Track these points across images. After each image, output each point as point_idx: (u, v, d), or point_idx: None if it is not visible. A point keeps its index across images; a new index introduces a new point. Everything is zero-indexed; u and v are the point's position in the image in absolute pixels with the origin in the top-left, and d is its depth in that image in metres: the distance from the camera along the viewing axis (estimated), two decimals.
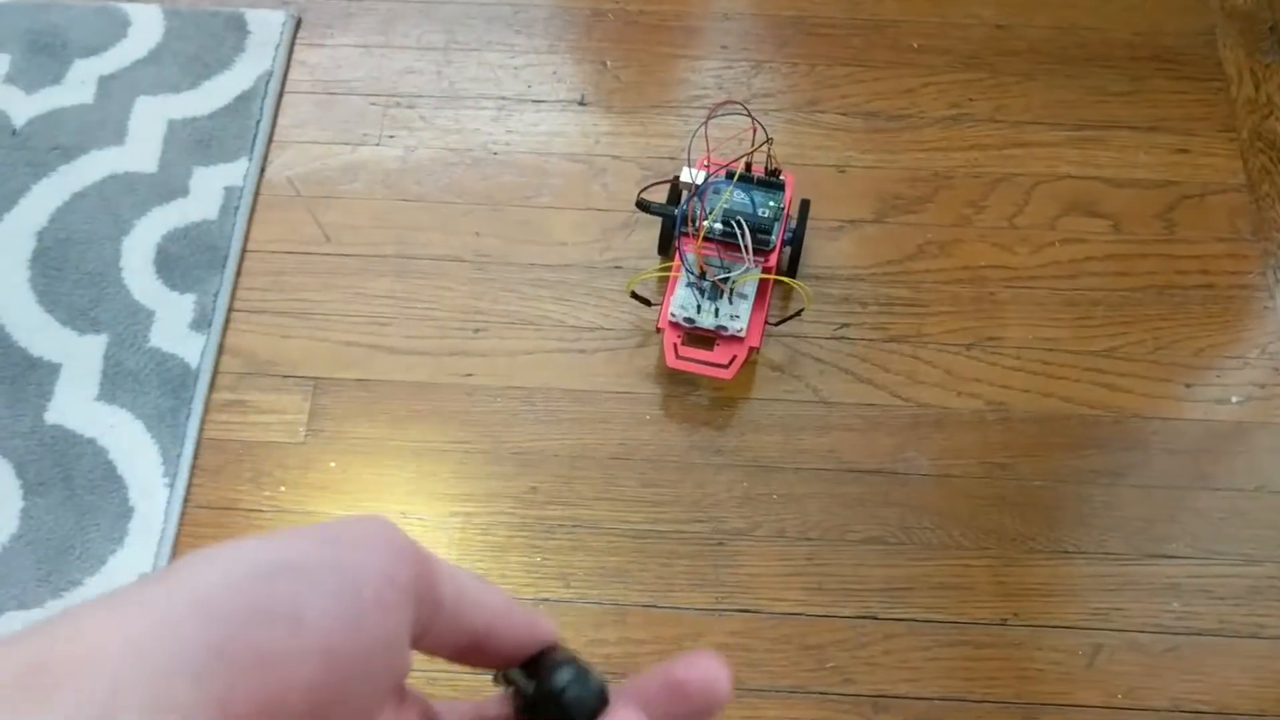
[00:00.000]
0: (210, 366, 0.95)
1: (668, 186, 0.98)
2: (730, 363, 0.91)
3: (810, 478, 0.93)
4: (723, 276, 0.90)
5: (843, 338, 0.98)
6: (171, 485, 0.90)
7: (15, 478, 0.90)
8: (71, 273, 0.98)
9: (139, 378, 0.94)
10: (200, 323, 0.96)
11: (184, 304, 0.97)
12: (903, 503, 0.92)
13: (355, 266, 1.01)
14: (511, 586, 0.89)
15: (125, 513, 0.89)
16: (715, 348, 0.92)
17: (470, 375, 0.96)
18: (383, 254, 1.02)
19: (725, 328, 0.91)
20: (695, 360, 0.91)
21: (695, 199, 0.90)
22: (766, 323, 0.95)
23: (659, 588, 0.88)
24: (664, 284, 0.97)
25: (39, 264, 0.98)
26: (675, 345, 0.92)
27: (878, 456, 0.94)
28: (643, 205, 0.94)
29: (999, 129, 1.08)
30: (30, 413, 0.92)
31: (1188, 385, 0.96)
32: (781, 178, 0.94)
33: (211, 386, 0.95)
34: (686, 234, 0.91)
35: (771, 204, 0.92)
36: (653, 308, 0.96)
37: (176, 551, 0.90)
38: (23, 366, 0.94)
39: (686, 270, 0.91)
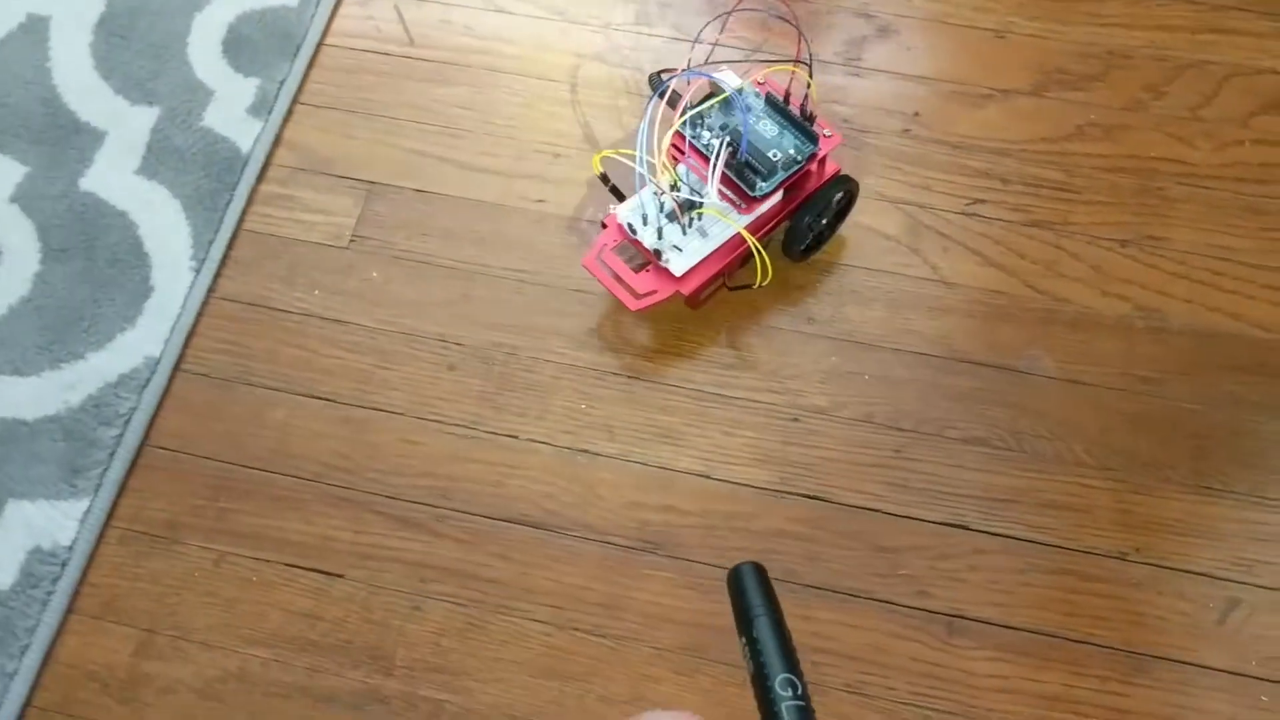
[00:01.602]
0: (263, 155, 0.86)
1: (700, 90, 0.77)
2: (644, 295, 0.74)
3: (912, 362, 0.79)
4: (684, 199, 0.72)
5: (975, 215, 0.84)
6: (198, 271, 0.81)
7: (36, 240, 0.82)
8: (136, 41, 0.90)
9: (185, 156, 0.85)
10: (259, 109, 0.87)
11: (246, 88, 0.88)
12: (1019, 405, 0.77)
13: (434, 73, 0.90)
14: (548, 432, 0.77)
15: (144, 292, 0.80)
16: (645, 271, 0.76)
17: (542, 201, 0.85)
18: (467, 63, 0.91)
19: (660, 253, 0.74)
20: (611, 271, 0.75)
21: (684, 78, 0.72)
22: (723, 281, 0.78)
23: (716, 457, 0.75)
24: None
25: (104, 28, 0.91)
26: (604, 246, 0.76)
27: (997, 350, 0.79)
28: (655, 82, 0.78)
29: (1195, 10, 0.92)
30: (65, 177, 0.84)
31: None
32: (826, 132, 0.75)
33: (260, 177, 0.86)
34: (678, 133, 0.74)
35: (791, 151, 0.73)
36: (619, 198, 0.78)
37: (189, 342, 0.80)
38: (68, 130, 0.86)
39: (640, 171, 0.73)
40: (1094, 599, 0.72)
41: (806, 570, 0.73)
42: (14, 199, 0.84)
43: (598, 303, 0.81)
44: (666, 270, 0.74)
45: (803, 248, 0.78)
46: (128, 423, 0.76)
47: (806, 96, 0.74)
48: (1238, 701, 0.70)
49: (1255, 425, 0.77)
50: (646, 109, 0.72)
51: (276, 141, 0.88)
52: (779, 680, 0.30)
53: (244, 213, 0.85)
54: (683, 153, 0.75)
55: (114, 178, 0.85)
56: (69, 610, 0.73)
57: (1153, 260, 0.82)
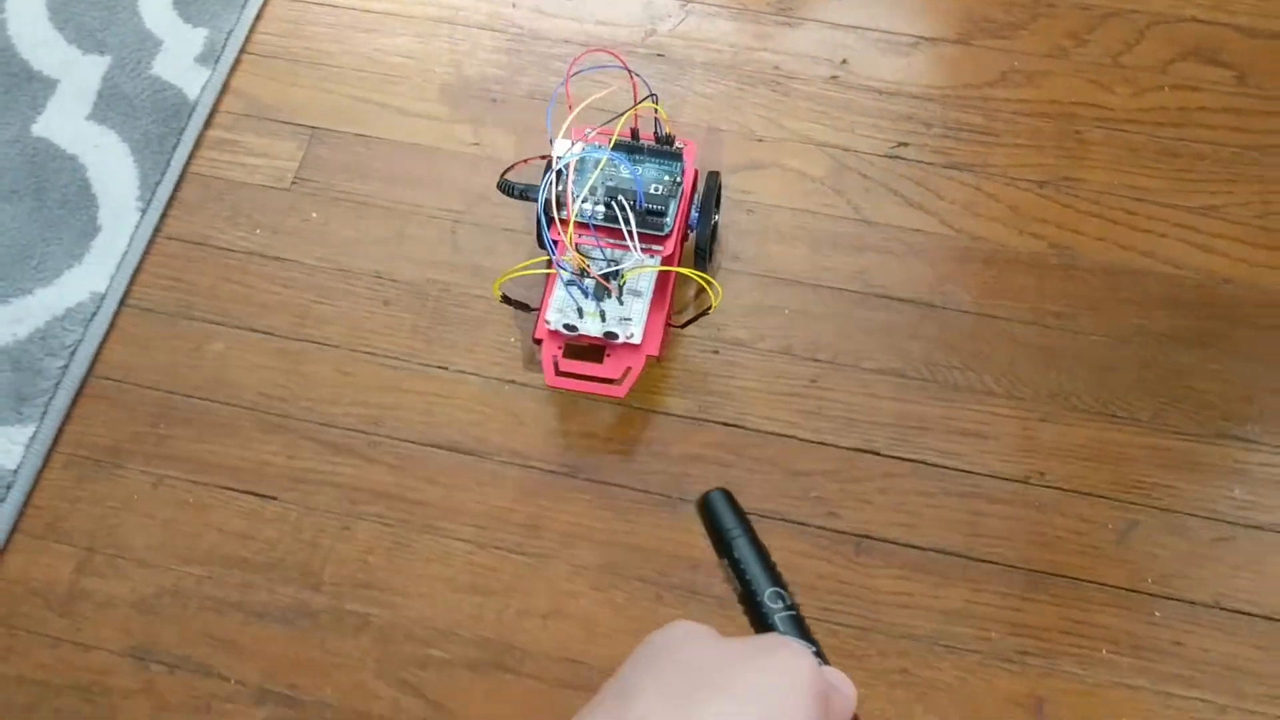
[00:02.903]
0: (210, 102, 0.89)
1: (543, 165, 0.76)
2: (623, 376, 0.74)
3: (831, 298, 0.82)
4: (607, 272, 0.72)
5: (898, 157, 0.86)
6: (144, 211, 0.84)
7: None
8: None
9: (134, 103, 0.88)
10: (207, 57, 0.90)
11: (194, 37, 0.91)
12: (933, 338, 0.80)
13: (377, 24, 0.93)
14: (477, 364, 0.80)
15: (91, 231, 0.84)
16: (606, 359, 0.75)
17: (476, 145, 0.88)
18: (410, 14, 0.94)
19: (615, 334, 0.74)
20: (579, 376, 0.75)
21: (561, 174, 0.71)
22: (669, 325, 0.78)
23: (636, 388, 0.78)
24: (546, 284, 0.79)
25: None
26: (555, 359, 0.75)
27: (913, 285, 0.82)
28: (505, 187, 0.76)
29: None
30: (18, 122, 0.88)
31: None
32: (678, 145, 0.74)
33: (207, 123, 0.89)
34: (550, 219, 0.72)
35: (666, 178, 0.73)
36: (532, 314, 0.78)
37: (134, 279, 0.83)
38: (21, 78, 0.90)
39: (559, 267, 0.72)
40: (997, 521, 0.75)
41: None
42: None
43: (526, 241, 0.84)
44: (627, 344, 0.75)
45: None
46: (73, 354, 0.80)
47: (657, 122, 0.74)
48: (1132, 617, 0.72)
49: (1160, 356, 0.79)
50: (540, 208, 0.72)
51: (223, 89, 0.91)
52: (768, 594, 0.31)
53: (190, 157, 0.88)
54: (549, 231, 0.73)
55: (65, 123, 0.88)
56: (14, 530, 0.76)
57: (1068, 200, 0.85)
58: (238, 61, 0.92)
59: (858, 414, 0.78)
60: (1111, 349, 0.80)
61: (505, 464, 0.77)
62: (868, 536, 0.75)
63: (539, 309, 0.77)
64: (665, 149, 0.74)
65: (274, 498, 0.76)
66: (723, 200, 0.82)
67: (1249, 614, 0.72)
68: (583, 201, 0.71)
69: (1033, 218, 0.84)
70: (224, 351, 0.81)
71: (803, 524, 0.75)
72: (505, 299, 0.77)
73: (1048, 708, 0.70)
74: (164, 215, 0.86)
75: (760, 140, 0.87)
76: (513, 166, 0.76)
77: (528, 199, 0.75)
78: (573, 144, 0.72)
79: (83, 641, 0.73)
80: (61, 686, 0.72)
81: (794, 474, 0.77)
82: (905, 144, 0.87)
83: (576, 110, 0.71)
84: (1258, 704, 0.70)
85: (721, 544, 0.33)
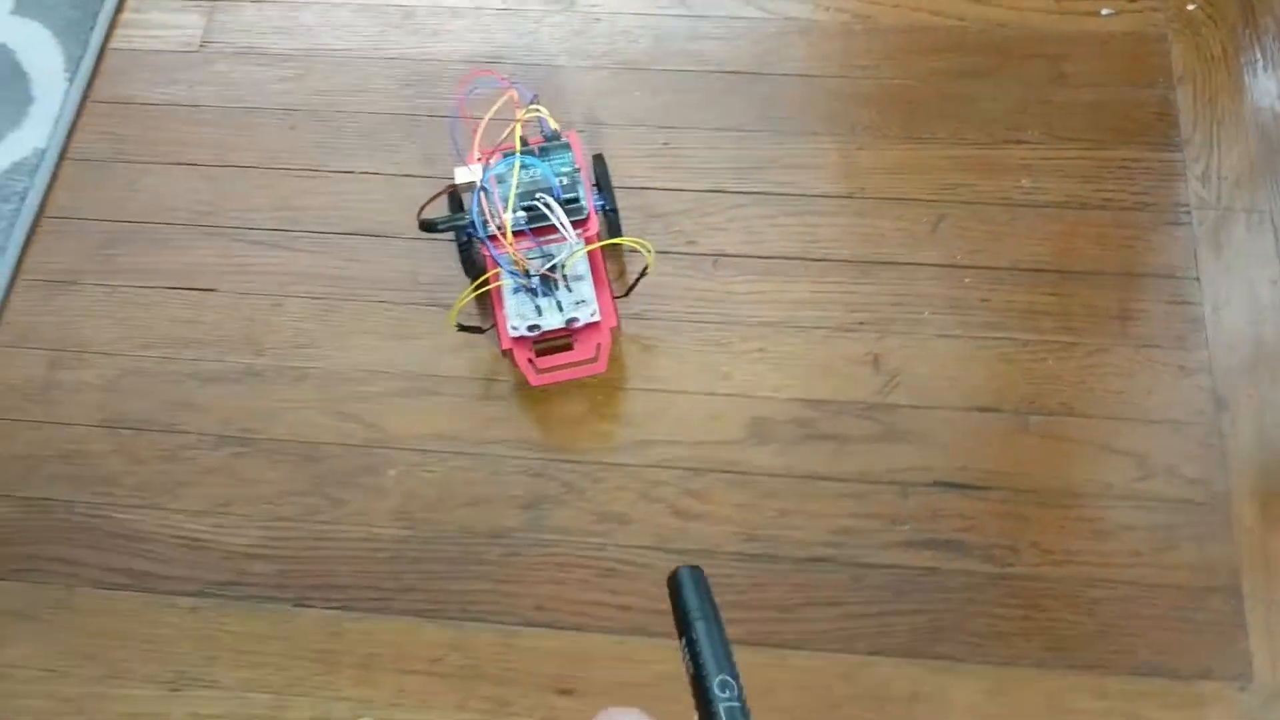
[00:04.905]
0: None
1: (446, 198, 0.85)
2: (598, 353, 0.81)
3: (674, 79, 0.97)
4: (552, 265, 0.80)
5: None
6: (72, 80, 0.97)
7: None
8: None
9: None
10: None
11: None
12: (763, 97, 0.95)
13: None
14: (378, 165, 0.93)
15: (26, 100, 0.96)
16: (575, 343, 0.82)
17: None
18: None
19: (577, 319, 0.80)
20: (561, 367, 0.81)
21: (486, 192, 0.79)
22: (615, 297, 0.84)
23: None
24: (486, 303, 0.85)
25: None
26: (530, 361, 0.80)
27: (742, 60, 0.97)
28: (427, 226, 0.81)
29: None
30: None
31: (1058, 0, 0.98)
32: (564, 139, 0.84)
33: (119, 7, 1.02)
34: (490, 237, 0.79)
35: (565, 169, 0.82)
36: (487, 332, 0.84)
37: (70, 136, 0.96)
38: None
39: (510, 275, 0.79)
40: (829, 229, 0.90)
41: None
42: None
43: (420, 64, 0.97)
44: (588, 325, 0.81)
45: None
46: (23, 199, 0.92)
47: (543, 124, 0.84)
48: (948, 284, 0.87)
49: (951, 89, 0.95)
50: (479, 232, 0.80)
51: None
52: (717, 681, 0.32)
53: (107, 35, 1.01)
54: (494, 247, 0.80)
55: None
56: None
57: None
58: None
59: (704, 163, 0.93)
60: (910, 89, 0.95)
61: (412, 240, 0.90)
62: (723, 254, 0.89)
63: (492, 325, 0.83)
64: (554, 144, 0.83)
65: (213, 289, 0.89)
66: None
67: (1044, 270, 0.87)
68: (510, 210, 0.79)
69: None
70: (156, 185, 0.94)
71: (667, 251, 0.89)
72: (461, 327, 0.83)
73: (883, 360, 0.84)
74: (89, 84, 0.98)
75: None
76: (425, 206, 0.82)
77: (456, 228, 0.82)
78: (470, 167, 0.82)
79: (60, 420, 0.85)
80: (46, 458, 0.83)
81: (654, 216, 0.91)
82: None
83: (482, 126, 0.82)
84: (1054, 335, 0.84)
85: (682, 622, 0.34)
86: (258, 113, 0.96)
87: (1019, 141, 0.92)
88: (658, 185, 0.91)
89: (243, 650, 0.76)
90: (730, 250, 0.88)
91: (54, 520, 0.81)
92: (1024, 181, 0.90)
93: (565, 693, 0.74)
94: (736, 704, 0.32)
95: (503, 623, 0.76)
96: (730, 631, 0.73)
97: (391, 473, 0.81)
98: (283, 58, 0.99)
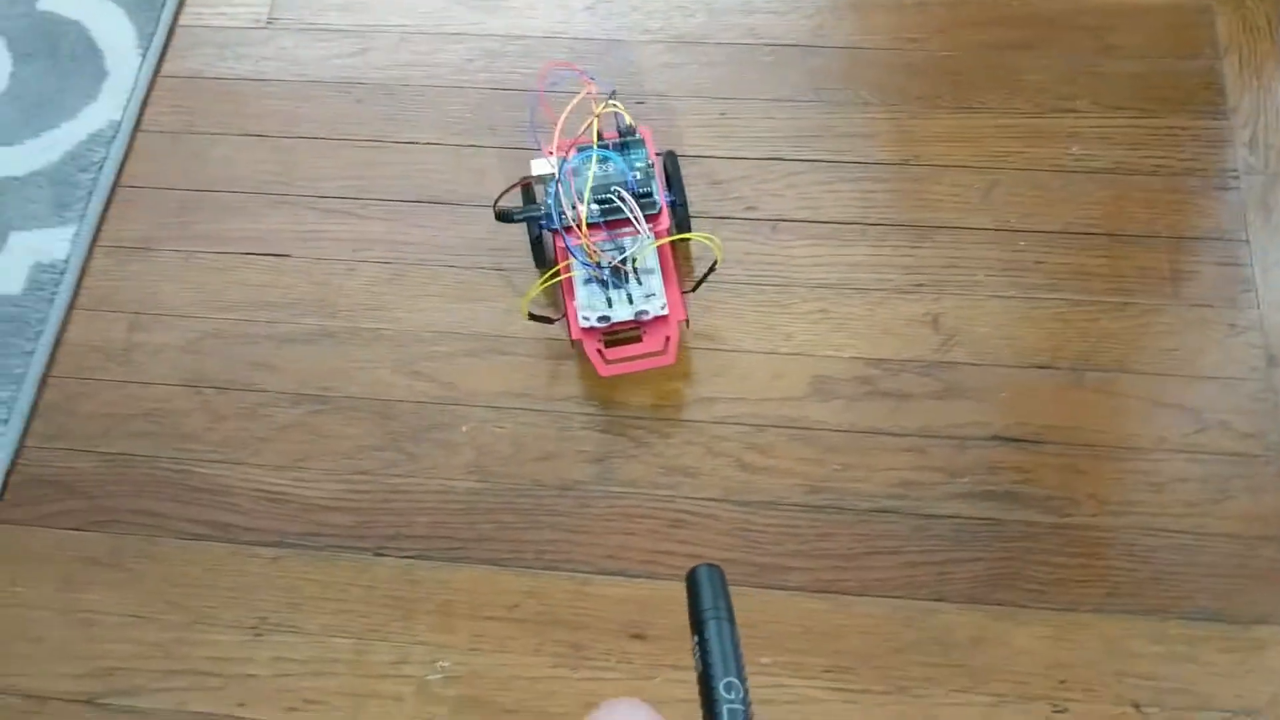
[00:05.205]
0: None
1: (520, 190, 0.87)
2: (666, 346, 0.82)
3: (728, 52, 0.99)
4: (623, 257, 0.81)
5: None
6: (144, 55, 1.00)
7: (7, 50, 1.00)
8: None
9: None
10: None
11: None
12: (815, 70, 0.98)
13: None
14: (440, 135, 0.96)
15: (101, 75, 0.99)
16: (644, 335, 0.82)
17: None
18: None
19: (646, 311, 0.81)
20: (629, 359, 0.82)
21: (558, 185, 0.81)
22: (683, 291, 0.85)
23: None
24: (554, 293, 0.88)
25: None
26: (599, 352, 0.81)
27: (794, 33, 1.00)
28: (503, 216, 0.84)
29: None
30: (25, 1, 1.03)
31: None
32: (637, 135, 0.85)
33: None
34: (566, 228, 0.80)
35: (639, 164, 0.83)
36: (557, 323, 0.86)
37: (143, 108, 0.99)
38: None
39: (582, 265, 0.80)
40: (885, 194, 0.92)
41: None
42: None
43: (480, 40, 1.00)
44: (657, 317, 0.82)
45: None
46: (100, 169, 0.95)
47: (618, 117, 0.85)
48: (1002, 248, 0.90)
49: (1002, 61, 0.97)
50: (557, 223, 0.81)
51: None
52: (723, 683, 0.32)
53: (177, 12, 1.04)
54: (570, 238, 0.81)
55: None
56: (71, 307, 0.91)
57: None
58: None
59: (761, 132, 0.95)
60: (959, 61, 0.98)
61: (476, 207, 0.93)
62: (781, 219, 0.92)
63: (562, 315, 0.85)
64: (629, 139, 0.85)
65: (286, 255, 0.92)
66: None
67: (1094, 233, 0.89)
68: (590, 204, 0.80)
69: None
70: (227, 155, 0.97)
71: (727, 217, 0.91)
72: (532, 316, 0.84)
73: (941, 320, 0.87)
74: (160, 59, 1.01)
75: None
76: (501, 196, 0.85)
77: (531, 219, 0.84)
78: (547, 159, 0.83)
79: (141, 380, 0.87)
80: (129, 415, 0.86)
81: (715, 183, 0.93)
82: None
83: (561, 120, 0.83)
84: (1107, 295, 0.87)
85: (697, 620, 0.34)
86: (323, 86, 0.99)
87: (1068, 110, 0.94)
88: (717, 154, 0.94)
89: (324, 597, 0.79)
90: (788, 215, 0.91)
91: (137, 475, 0.83)
92: (1074, 149, 0.92)
93: (638, 637, 0.77)
94: (740, 707, 0.32)
95: (576, 571, 0.79)
96: (795, 579, 0.76)
97: (464, 428, 0.84)
98: (346, 33, 1.02)
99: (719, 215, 0.91)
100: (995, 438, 0.82)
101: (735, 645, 0.33)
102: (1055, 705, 0.73)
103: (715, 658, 0.33)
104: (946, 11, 0.99)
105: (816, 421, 0.83)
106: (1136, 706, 0.73)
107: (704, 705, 0.32)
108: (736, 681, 0.32)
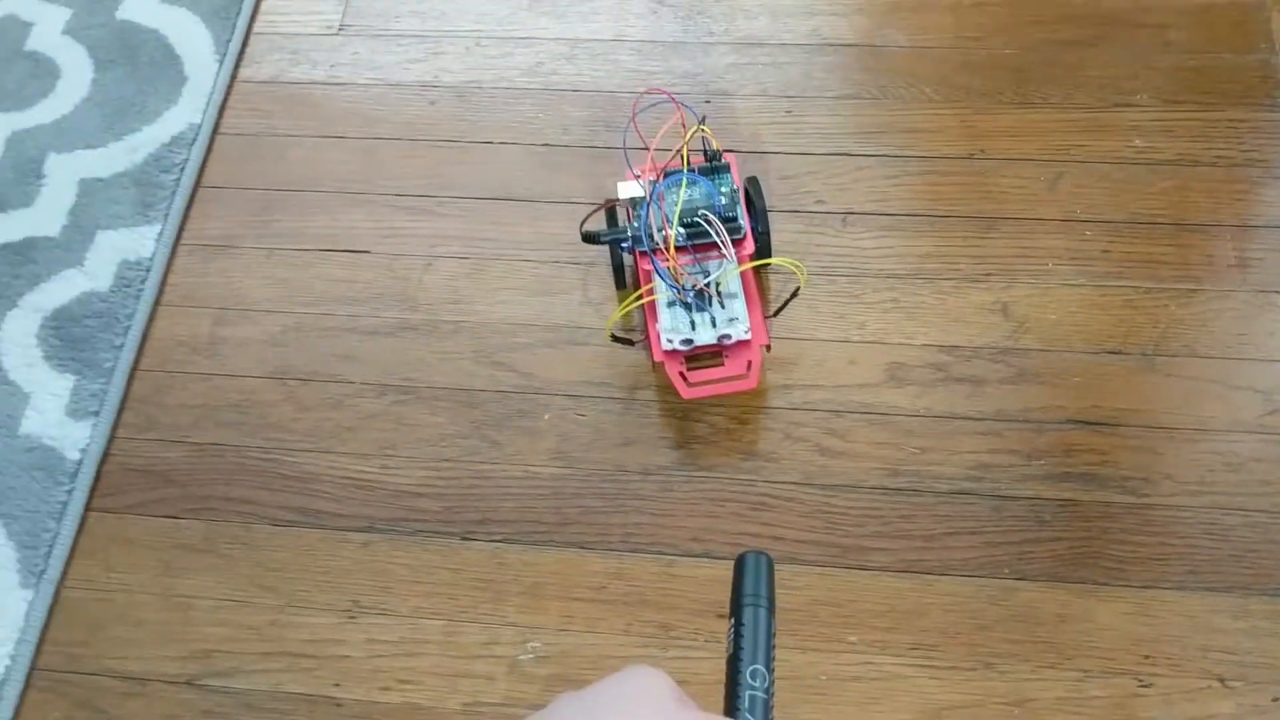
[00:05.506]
0: None
1: (604, 213, 0.87)
2: (749, 370, 0.81)
3: (793, 50, 1.01)
4: (709, 280, 0.81)
5: None
6: (221, 62, 1.02)
7: (88, 58, 1.03)
8: None
9: None
10: None
11: None
12: (878, 69, 1.00)
13: None
14: (515, 135, 0.98)
15: (180, 80, 1.02)
16: (726, 359, 0.82)
17: None
18: None
19: (729, 335, 0.81)
20: (711, 382, 0.81)
21: (648, 208, 0.81)
22: (766, 316, 0.85)
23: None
24: (634, 315, 0.89)
25: None
26: (681, 374, 0.81)
27: (857, 33, 1.02)
28: (589, 238, 0.84)
29: None
30: (104, 11, 1.06)
31: None
32: (724, 160, 0.85)
33: None
34: (653, 250, 0.80)
35: (725, 189, 0.83)
36: (638, 345, 0.86)
37: (222, 112, 1.01)
38: None
39: (669, 287, 0.81)
40: (951, 188, 0.94)
41: None
42: (64, 32, 1.05)
43: (548, 43, 1.03)
44: (739, 341, 0.82)
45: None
46: (182, 170, 0.97)
47: (705, 141, 0.85)
48: (1069, 238, 0.91)
49: (1062, 56, 0.99)
50: (645, 245, 0.81)
51: None
52: (750, 670, 0.32)
53: (251, 20, 1.06)
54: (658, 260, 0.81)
55: (143, 6, 1.06)
56: (157, 303, 0.93)
57: None
58: None
59: (828, 129, 0.97)
60: (1021, 57, 1.00)
61: (553, 204, 0.95)
62: (850, 212, 0.93)
63: (645, 338, 0.85)
64: (715, 165, 0.85)
65: (366, 251, 0.94)
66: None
67: (1160, 223, 0.91)
68: (674, 225, 0.80)
69: None
70: (304, 156, 0.99)
71: (796, 210, 0.93)
72: (614, 338, 0.85)
73: (1011, 307, 0.88)
74: (237, 65, 1.04)
75: None
76: (587, 218, 0.86)
77: (616, 241, 0.84)
78: (633, 182, 0.83)
79: (228, 373, 0.90)
80: (218, 406, 0.88)
81: (785, 178, 0.95)
82: None
83: (654, 145, 0.85)
84: (1174, 282, 0.88)
85: (737, 602, 0.34)
86: (397, 89, 1.01)
87: (1129, 105, 0.96)
88: (785, 150, 0.96)
89: (414, 581, 0.80)
90: (857, 208, 0.93)
91: (227, 464, 0.85)
92: (1136, 141, 0.94)
93: (724, 617, 0.78)
94: (762, 695, 0.31)
95: (662, 553, 0.80)
96: (878, 560, 0.77)
97: (546, 416, 0.85)
98: (417, 39, 1.04)
99: (788, 209, 0.92)
100: (1070, 421, 0.83)
101: (769, 635, 0.33)
102: (1141, 680, 0.74)
103: (747, 644, 0.33)
104: (1006, 10, 1.01)
105: (892, 407, 0.84)
106: (1221, 681, 0.74)
107: (727, 688, 0.32)
108: (763, 670, 0.32)
